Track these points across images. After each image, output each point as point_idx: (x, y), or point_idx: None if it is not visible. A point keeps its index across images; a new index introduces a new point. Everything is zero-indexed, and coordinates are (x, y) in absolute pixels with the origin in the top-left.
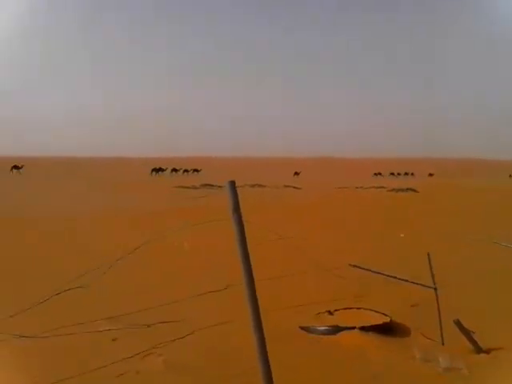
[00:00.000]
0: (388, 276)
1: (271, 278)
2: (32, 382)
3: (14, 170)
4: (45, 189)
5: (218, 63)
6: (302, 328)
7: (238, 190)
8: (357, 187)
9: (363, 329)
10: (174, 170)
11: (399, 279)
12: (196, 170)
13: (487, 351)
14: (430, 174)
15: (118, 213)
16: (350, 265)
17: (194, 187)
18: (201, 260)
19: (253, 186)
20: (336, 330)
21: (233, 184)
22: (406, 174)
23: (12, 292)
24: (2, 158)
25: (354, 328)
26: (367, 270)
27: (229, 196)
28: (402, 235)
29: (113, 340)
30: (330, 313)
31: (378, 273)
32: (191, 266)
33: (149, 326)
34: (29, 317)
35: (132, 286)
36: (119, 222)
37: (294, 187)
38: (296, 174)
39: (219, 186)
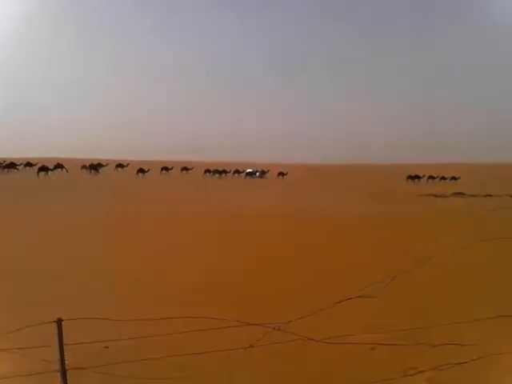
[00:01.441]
0: None
1: None
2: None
3: (280, 177)
4: (305, 194)
5: None
6: None
7: (498, 200)
8: None
9: None
10: (431, 177)
11: None
12: (454, 178)
13: None
14: None
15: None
16: None
17: (444, 196)
18: (482, 281)
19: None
20: None
21: None
22: None
23: (303, 294)
24: (270, 166)
25: None
26: None
27: None
28: None
29: (371, 349)
30: None
31: None
32: (473, 285)
33: (435, 346)
34: (318, 320)
35: (411, 301)
36: (390, 230)
37: None
38: None
39: (471, 196)
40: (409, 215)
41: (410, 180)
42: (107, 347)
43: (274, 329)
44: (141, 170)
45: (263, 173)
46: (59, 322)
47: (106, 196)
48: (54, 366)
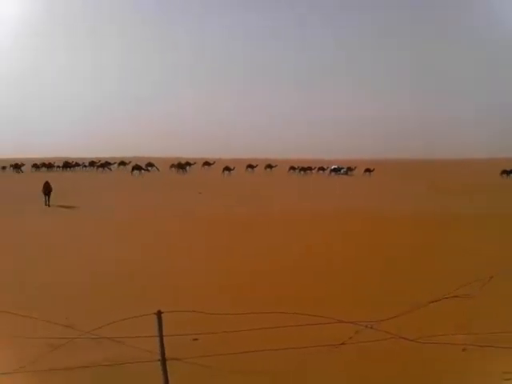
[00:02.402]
0: None
1: None
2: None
3: (366, 173)
4: (392, 189)
5: None
6: None
7: None
8: None
9: None
10: None
11: None
12: None
13: None
14: None
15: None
16: None
17: None
18: None
19: None
20: None
21: None
22: None
23: (397, 293)
24: (356, 161)
25: None
26: None
27: None
28: None
29: (462, 349)
30: None
31: None
32: None
33: None
34: (411, 320)
35: (509, 302)
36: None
37: None
38: None
39: None
40: (502, 212)
41: (504, 175)
42: (196, 339)
43: (367, 327)
44: (226, 168)
45: (350, 169)
46: (159, 314)
47: (192, 194)
48: (151, 356)
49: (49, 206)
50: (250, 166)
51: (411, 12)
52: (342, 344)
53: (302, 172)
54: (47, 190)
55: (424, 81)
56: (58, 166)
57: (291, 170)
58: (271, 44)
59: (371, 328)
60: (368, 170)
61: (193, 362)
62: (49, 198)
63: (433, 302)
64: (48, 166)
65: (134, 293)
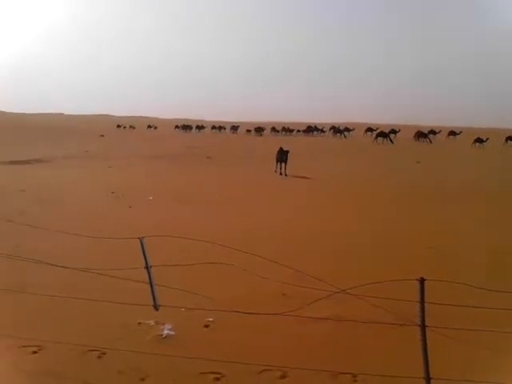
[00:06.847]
0: None
1: None
2: None
3: None
4: None
5: None
6: None
7: None
8: None
9: None
10: None
11: None
12: None
13: None
14: None
15: None
16: None
17: None
18: None
19: None
20: None
21: None
22: None
23: None
24: None
25: None
26: None
27: None
28: None
29: None
30: None
31: None
32: None
33: None
34: None
35: None
36: None
37: None
38: None
39: None
40: None
41: None
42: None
43: None
44: (478, 140)
45: None
46: (422, 280)
47: (411, 163)
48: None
49: (285, 174)
50: (510, 138)
51: None
52: None
53: None
54: (282, 157)
55: None
56: (298, 130)
57: None
58: None
59: None
60: None
61: (438, 332)
62: (285, 165)
63: None
64: (288, 130)
65: (382, 260)
